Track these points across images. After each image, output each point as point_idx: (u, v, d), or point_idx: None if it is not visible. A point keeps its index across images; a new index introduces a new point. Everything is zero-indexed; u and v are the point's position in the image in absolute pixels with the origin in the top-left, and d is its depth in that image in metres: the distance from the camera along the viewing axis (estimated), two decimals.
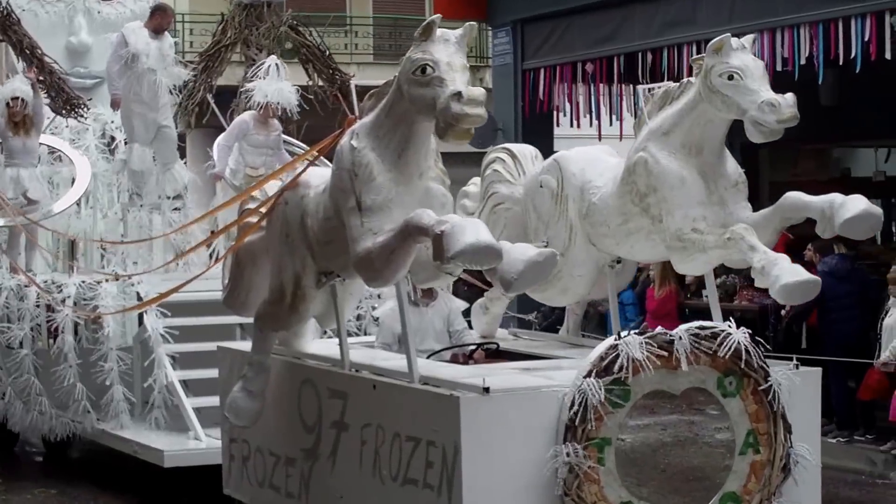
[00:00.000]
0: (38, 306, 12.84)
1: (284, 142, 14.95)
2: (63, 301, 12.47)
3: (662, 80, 17.42)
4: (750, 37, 7.69)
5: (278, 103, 14.18)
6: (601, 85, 17.31)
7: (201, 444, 11.56)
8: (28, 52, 15.07)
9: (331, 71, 17.05)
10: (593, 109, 17.44)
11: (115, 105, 14.60)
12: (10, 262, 13.45)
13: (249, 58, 16.90)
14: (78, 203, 14.65)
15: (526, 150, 9.15)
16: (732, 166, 7.92)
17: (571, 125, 17.70)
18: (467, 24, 6.63)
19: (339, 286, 7.73)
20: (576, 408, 6.37)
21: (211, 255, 14.56)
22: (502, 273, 6.38)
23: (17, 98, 13.65)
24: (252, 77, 14.68)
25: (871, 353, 13.39)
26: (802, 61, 14.20)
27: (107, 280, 12.70)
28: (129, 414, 12.41)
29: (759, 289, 17.63)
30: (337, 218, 7.09)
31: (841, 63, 13.23)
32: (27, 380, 12.86)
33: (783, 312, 14.51)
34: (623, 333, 6.54)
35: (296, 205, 7.63)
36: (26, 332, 12.83)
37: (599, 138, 16.41)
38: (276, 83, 14.31)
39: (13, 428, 13.70)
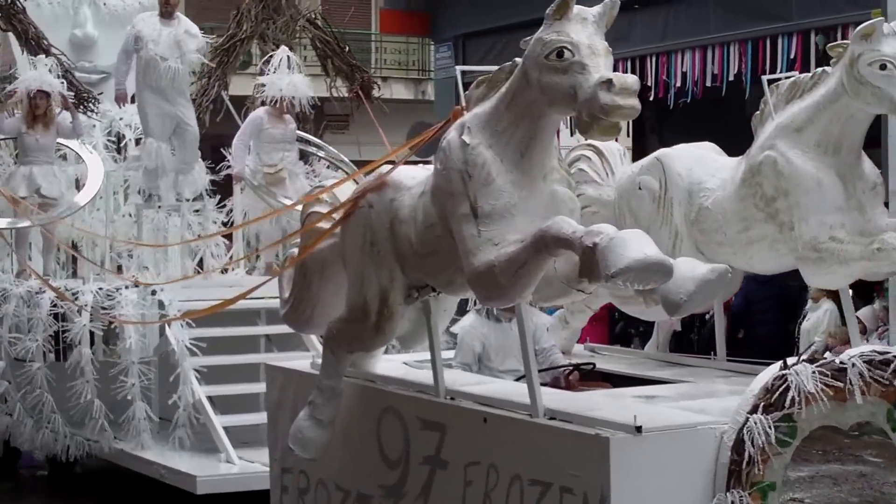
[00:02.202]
0: (50, 315, 11.90)
1: (299, 138, 14.13)
2: (80, 310, 11.51)
3: None
4: None
5: (292, 97, 13.36)
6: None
7: (234, 468, 10.66)
8: (34, 42, 14.14)
9: (350, 68, 16.23)
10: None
11: (118, 100, 13.68)
12: (24, 266, 12.49)
13: (265, 52, 16.08)
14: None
15: (613, 147, 8.26)
16: (869, 167, 7.07)
17: None
18: (607, 0, 5.69)
19: (433, 301, 6.78)
20: (744, 449, 5.44)
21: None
22: (668, 293, 5.43)
23: (44, 92, 12.70)
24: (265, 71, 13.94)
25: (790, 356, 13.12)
26: (731, 77, 15.09)
27: (126, 287, 11.78)
28: (149, 432, 11.50)
29: None
30: (442, 226, 6.11)
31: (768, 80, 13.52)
32: (39, 395, 11.87)
33: (707, 316, 14.47)
34: (790, 361, 5.62)
35: (384, 209, 6.63)
36: (39, 343, 11.85)
37: None
38: (288, 76, 13.48)
39: (21, 446, 12.72)
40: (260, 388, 11.66)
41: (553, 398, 6.25)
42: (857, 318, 13.32)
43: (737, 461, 5.48)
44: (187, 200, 13.49)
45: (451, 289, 6.47)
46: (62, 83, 13.33)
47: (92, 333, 11.65)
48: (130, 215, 14.35)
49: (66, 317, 11.83)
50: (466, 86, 19.88)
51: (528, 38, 5.72)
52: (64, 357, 11.99)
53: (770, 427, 5.48)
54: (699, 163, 7.54)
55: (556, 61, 5.52)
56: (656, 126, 20.46)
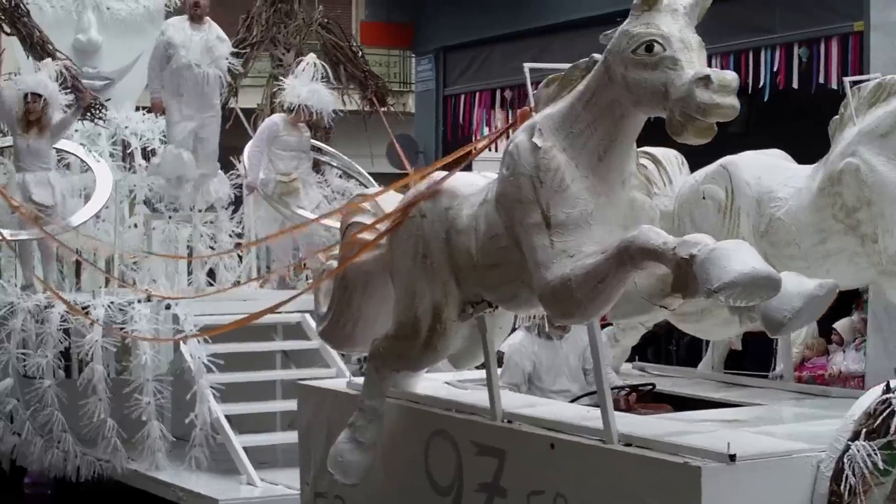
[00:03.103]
0: (59, 330, 11.41)
1: (312, 147, 13.68)
2: (91, 324, 11.03)
3: None
4: None
5: (310, 106, 12.87)
6: (518, 111, 17.45)
7: (256, 491, 10.19)
8: (38, 47, 13.65)
9: (363, 74, 15.77)
10: (510, 134, 17.71)
11: (154, 109, 13.20)
12: (31, 279, 12.00)
13: (276, 58, 15.65)
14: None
15: (671, 155, 7.83)
16: None
17: (489, 149, 17.55)
18: None
19: (489, 318, 6.33)
20: (844, 478, 5.01)
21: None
22: (770, 310, 4.99)
23: (38, 94, 12.20)
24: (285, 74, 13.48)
25: (768, 366, 12.66)
26: None
27: (139, 301, 11.30)
28: (164, 452, 11.02)
29: None
30: (508, 236, 5.67)
31: (750, 92, 13.67)
32: (49, 413, 11.37)
33: None
34: (894, 384, 5.19)
35: (439, 218, 6.19)
36: (48, 359, 11.34)
37: None
38: (311, 84, 12.99)
39: (29, 466, 12.20)
40: (276, 406, 11.28)
41: (622, 422, 5.82)
42: (834, 329, 13.05)
43: (836, 492, 5.07)
44: (200, 211, 13.02)
45: (514, 304, 6.03)
46: (63, 91, 12.85)
47: (104, 349, 11.15)
48: (136, 226, 13.89)
49: (77, 332, 11.33)
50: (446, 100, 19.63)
51: (610, 31, 5.28)
52: (75, 374, 11.49)
53: (873, 455, 5.05)
54: (769, 171, 7.15)
55: (644, 56, 5.09)
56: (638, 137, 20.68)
